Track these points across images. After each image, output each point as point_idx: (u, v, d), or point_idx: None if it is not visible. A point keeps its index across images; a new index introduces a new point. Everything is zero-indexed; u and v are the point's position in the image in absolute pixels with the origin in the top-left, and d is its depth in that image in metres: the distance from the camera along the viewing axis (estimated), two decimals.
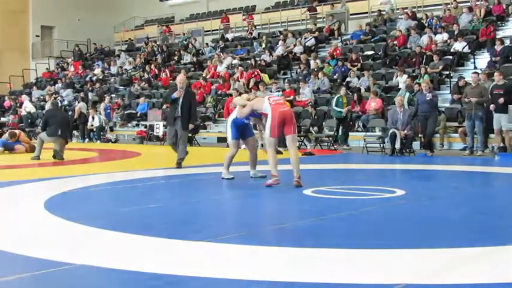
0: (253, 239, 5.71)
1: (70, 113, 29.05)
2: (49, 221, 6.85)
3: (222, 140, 24.77)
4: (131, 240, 5.76)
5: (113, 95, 32.91)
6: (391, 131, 16.71)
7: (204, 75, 30.71)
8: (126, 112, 29.51)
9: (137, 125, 28.25)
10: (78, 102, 28.55)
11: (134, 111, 29.38)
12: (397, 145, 16.63)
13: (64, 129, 16.50)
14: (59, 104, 17.80)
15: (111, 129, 27.72)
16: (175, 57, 35.79)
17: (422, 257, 5.00)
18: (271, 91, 24.23)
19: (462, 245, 5.34)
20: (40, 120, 31.35)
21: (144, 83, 33.29)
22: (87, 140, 26.37)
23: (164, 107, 24.16)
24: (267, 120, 10.14)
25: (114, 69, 37.54)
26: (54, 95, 33.54)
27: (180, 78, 14.04)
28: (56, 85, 37.14)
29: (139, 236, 5.87)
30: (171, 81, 31.97)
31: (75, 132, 27.42)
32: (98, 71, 37.86)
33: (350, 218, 6.95)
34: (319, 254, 5.13)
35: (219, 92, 28.04)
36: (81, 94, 32.27)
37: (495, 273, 4.55)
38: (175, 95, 13.42)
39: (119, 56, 39.47)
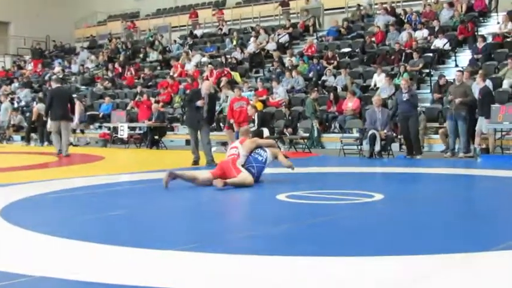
0: (221, 247, 5.68)
1: (28, 114, 28.83)
2: (5, 229, 6.78)
3: (190, 142, 24.69)
4: (93, 249, 5.71)
5: (74, 95, 32.67)
6: (370, 132, 16.73)
7: (171, 73, 30.67)
8: (88, 113, 29.29)
9: (100, 127, 28.08)
10: (36, 103, 28.27)
11: (97, 113, 29.21)
12: (377, 147, 16.68)
13: (53, 109, 18.02)
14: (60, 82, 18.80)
15: (82, 132, 27.43)
16: (141, 55, 35.70)
17: (402, 264, 5.02)
18: (242, 91, 24.27)
19: (443, 251, 5.36)
20: None
21: (107, 82, 33.13)
22: (46, 143, 26.12)
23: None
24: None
25: (75, 68, 37.32)
26: (11, 95, 33.26)
27: (207, 85, 15.47)
28: (12, 85, 36.77)
29: (101, 245, 5.82)
30: (135, 81, 31.86)
31: (33, 135, 27.20)
32: (57, 69, 37.58)
33: (326, 224, 6.96)
34: (292, 262, 5.13)
35: (187, 92, 27.97)
36: (40, 94, 31.97)
37: (478, 280, 4.58)
38: (199, 103, 14.76)
39: (79, 53, 39.24)
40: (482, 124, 16.65)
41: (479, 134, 16.67)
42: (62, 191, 10.41)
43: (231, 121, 18.77)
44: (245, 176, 10.51)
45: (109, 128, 25.97)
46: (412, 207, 8.50)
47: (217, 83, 26.64)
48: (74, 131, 26.91)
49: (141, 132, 24.32)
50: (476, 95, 17.00)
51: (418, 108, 18.12)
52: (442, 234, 6.36)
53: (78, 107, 22.43)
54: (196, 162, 15.01)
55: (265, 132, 18.28)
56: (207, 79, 27.38)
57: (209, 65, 29.07)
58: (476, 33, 24.39)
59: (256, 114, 18.97)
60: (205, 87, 15.33)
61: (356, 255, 5.28)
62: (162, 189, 10.31)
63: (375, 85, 22.77)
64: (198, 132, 15.19)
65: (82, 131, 27.12)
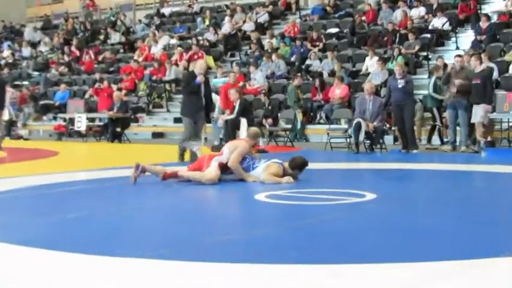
0: (192, 254, 5.66)
1: None
2: None
3: (157, 135, 24.65)
4: (47, 257, 5.66)
5: (25, 82, 32.47)
6: (355, 120, 16.65)
7: (135, 57, 30.55)
8: (41, 103, 29.15)
9: (55, 118, 27.94)
10: None
11: (51, 102, 29.05)
12: (361, 137, 16.55)
13: None
14: None
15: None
16: (101, 37, 35.53)
17: (395, 273, 5.01)
18: (215, 77, 24.23)
19: (441, 257, 5.36)
20: None
21: (63, 67, 32.97)
22: None
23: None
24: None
25: (26, 52, 37.07)
26: None
27: (201, 65, 15.03)
28: None
29: (57, 252, 5.78)
30: (95, 66, 31.72)
31: None
32: (6, 53, 37.32)
33: (310, 228, 6.95)
34: (272, 270, 5.11)
35: (154, 78, 27.89)
36: None
37: None
38: (199, 79, 14.45)
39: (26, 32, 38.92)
40: (477, 112, 16.39)
41: (479, 125, 16.47)
42: (10, 191, 10.32)
43: (227, 112, 18.64)
44: (206, 172, 10.61)
45: (65, 119, 25.86)
46: (408, 208, 8.51)
47: (189, 68, 26.56)
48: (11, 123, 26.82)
49: (101, 124, 24.23)
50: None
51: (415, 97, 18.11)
52: (442, 239, 6.36)
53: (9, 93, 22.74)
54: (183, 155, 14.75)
55: (243, 123, 18.13)
56: (176, 64, 27.37)
57: (178, 48, 28.98)
58: (479, 11, 24.47)
59: (239, 101, 18.62)
60: (199, 66, 14.90)
61: (343, 263, 5.27)
62: (125, 189, 10.27)
63: (367, 70, 22.78)
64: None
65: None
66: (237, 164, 10.70)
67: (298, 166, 10.95)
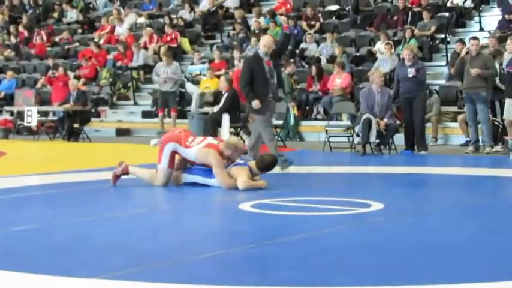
0: (165, 275, 5.70)
1: None
2: None
3: (122, 132, 24.60)
4: None
5: None
6: (364, 116, 16.63)
7: (96, 39, 30.45)
8: None
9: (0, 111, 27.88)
10: None
11: None
12: (372, 138, 16.55)
13: None
14: None
15: None
16: (55, 14, 35.40)
17: None
18: (192, 63, 24.23)
19: (462, 279, 5.41)
20: None
21: (9, 50, 32.86)
22: None
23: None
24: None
25: None
26: None
27: (267, 41, 13.67)
28: None
29: (4, 271, 5.80)
30: (48, 49, 31.62)
31: None
32: None
33: (305, 244, 6.99)
34: None
35: (119, 64, 27.82)
36: None
37: None
38: (254, 105, 13.12)
39: None
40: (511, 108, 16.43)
41: (510, 123, 16.48)
42: None
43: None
44: (155, 174, 11.10)
45: (12, 113, 25.79)
46: (422, 220, 8.57)
47: (159, 53, 26.54)
48: None
49: (56, 118, 24.17)
50: (505, 66, 16.73)
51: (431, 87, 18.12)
52: (463, 257, 6.39)
53: None
54: None
55: (225, 119, 18.07)
56: (145, 47, 27.31)
57: (148, 28, 28.92)
58: None
59: (227, 93, 18.50)
60: (264, 43, 13.55)
61: (344, 285, 5.32)
62: (86, 196, 10.30)
63: (376, 55, 22.75)
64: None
65: None
66: (234, 182, 10.65)
67: (268, 166, 10.97)
